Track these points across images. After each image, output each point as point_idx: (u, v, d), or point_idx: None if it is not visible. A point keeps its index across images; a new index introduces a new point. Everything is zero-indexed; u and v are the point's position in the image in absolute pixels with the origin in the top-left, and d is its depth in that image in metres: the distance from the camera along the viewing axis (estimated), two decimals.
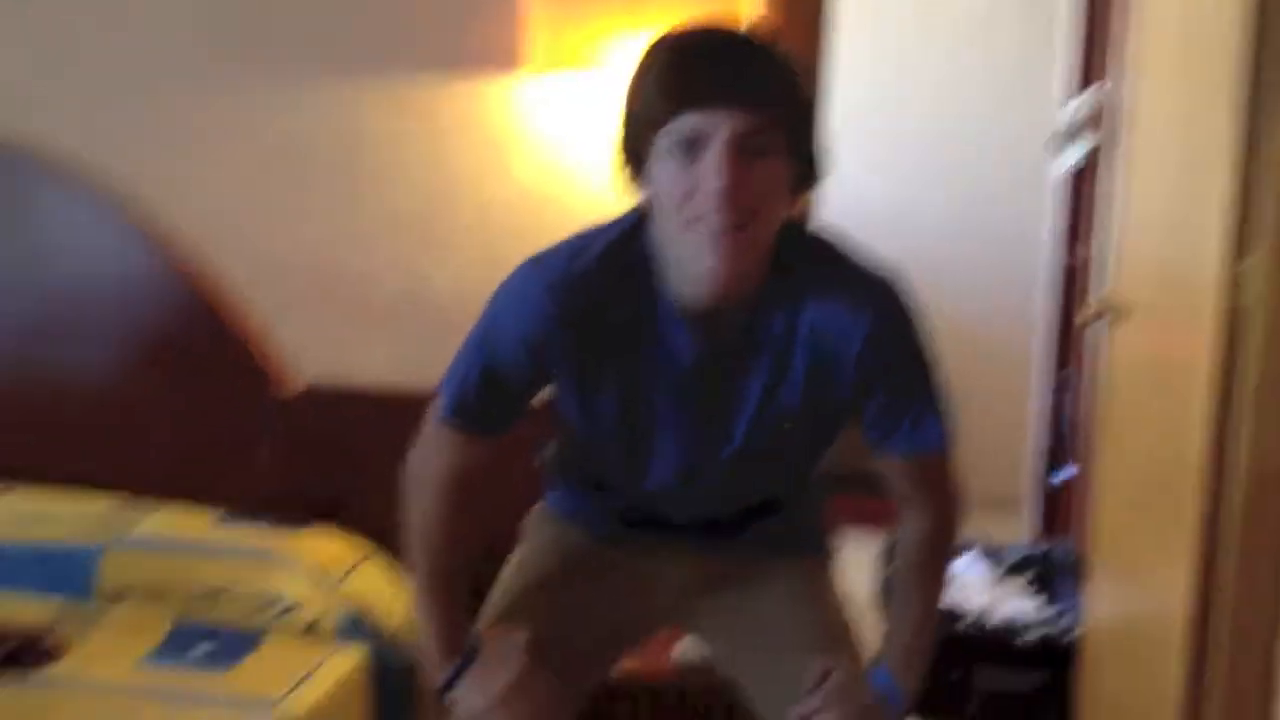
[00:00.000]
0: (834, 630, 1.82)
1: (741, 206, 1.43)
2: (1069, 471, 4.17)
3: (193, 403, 2.76)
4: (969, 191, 5.33)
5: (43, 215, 2.78)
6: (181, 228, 2.76)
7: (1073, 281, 4.17)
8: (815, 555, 1.92)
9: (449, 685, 1.69)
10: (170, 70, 2.76)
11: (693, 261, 1.47)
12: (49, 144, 2.76)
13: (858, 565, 4.36)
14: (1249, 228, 2.26)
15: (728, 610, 1.83)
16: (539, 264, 1.59)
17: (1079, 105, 4.18)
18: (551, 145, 2.70)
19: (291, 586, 2.39)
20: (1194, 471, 2.32)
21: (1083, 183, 4.10)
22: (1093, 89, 4.11)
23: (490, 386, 1.63)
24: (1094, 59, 4.06)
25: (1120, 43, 3.61)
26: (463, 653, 1.69)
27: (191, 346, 2.76)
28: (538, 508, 1.93)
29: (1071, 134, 4.26)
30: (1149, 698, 2.52)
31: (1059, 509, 4.22)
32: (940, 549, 1.80)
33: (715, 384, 1.60)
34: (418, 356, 2.75)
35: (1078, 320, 3.12)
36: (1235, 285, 2.26)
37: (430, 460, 1.71)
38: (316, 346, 2.78)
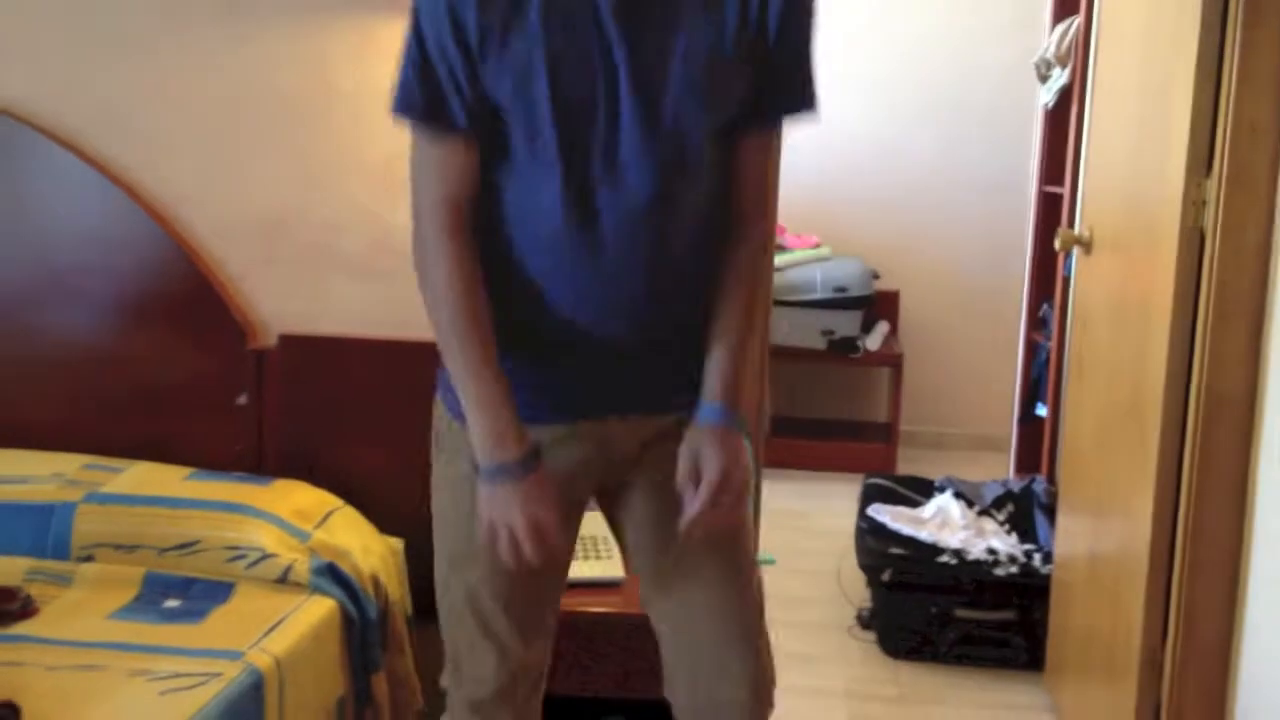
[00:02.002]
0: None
1: None
2: (1043, 409, 4.19)
3: (170, 357, 2.75)
4: (960, 125, 5.31)
5: (21, 172, 2.76)
6: (152, 181, 2.76)
7: (1055, 214, 4.17)
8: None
9: (491, 478, 1.68)
10: (137, 20, 2.74)
11: None
12: (23, 101, 2.74)
13: (839, 510, 4.40)
14: (1208, 153, 2.27)
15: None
16: None
17: (1054, 38, 4.16)
18: None
19: (262, 537, 2.40)
20: (1155, 399, 2.34)
21: (1064, 114, 4.09)
22: (1066, 22, 4.10)
23: (429, 70, 1.62)
24: None
25: None
26: (519, 452, 1.67)
27: (168, 301, 2.75)
28: (438, 418, 1.89)
29: (1048, 67, 4.24)
30: (1115, 628, 2.54)
31: (1036, 447, 4.23)
32: (760, 272, 1.76)
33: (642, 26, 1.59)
34: (387, 304, 2.76)
35: (1056, 248, 3.12)
36: (1193, 208, 2.27)
37: (424, 209, 1.67)
38: (287, 297, 2.78)
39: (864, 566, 3.53)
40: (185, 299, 2.74)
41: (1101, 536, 2.73)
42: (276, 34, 2.73)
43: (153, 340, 2.75)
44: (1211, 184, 2.24)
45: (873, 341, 5.17)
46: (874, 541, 3.47)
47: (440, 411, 1.88)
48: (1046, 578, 3.21)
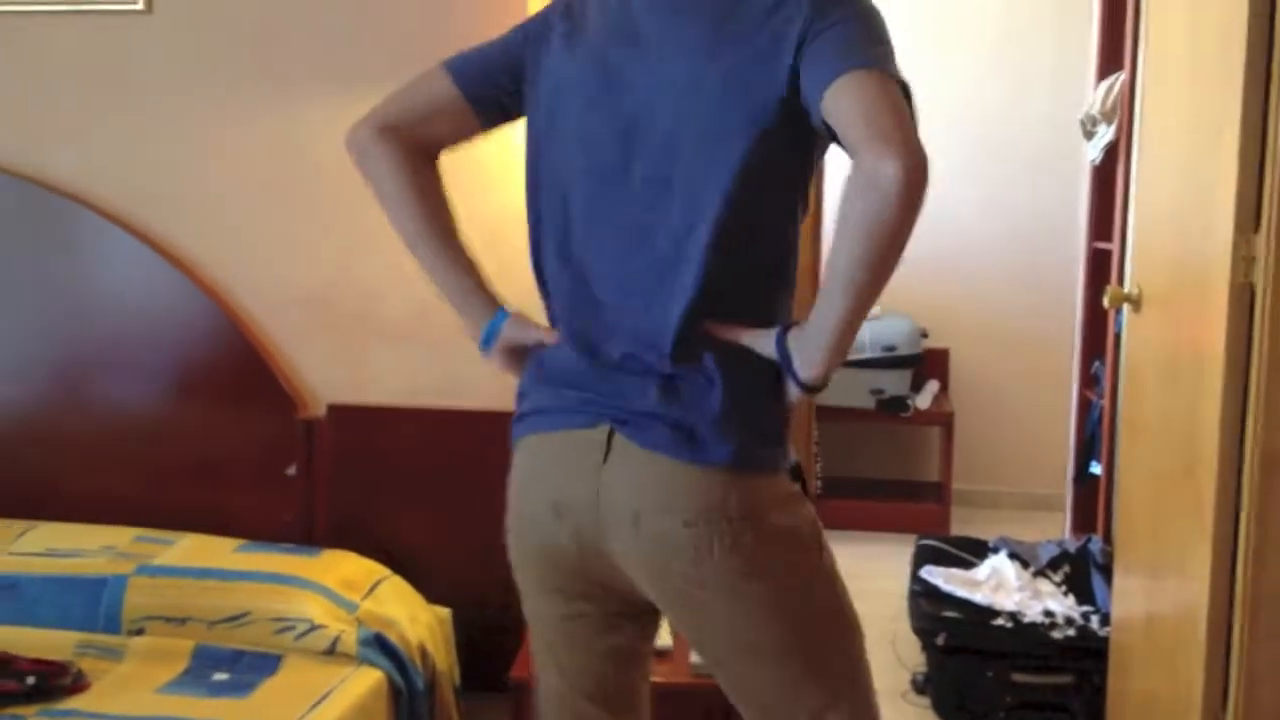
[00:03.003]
0: None
1: None
2: (1097, 467, 4.13)
3: (220, 428, 2.79)
4: (1005, 182, 5.29)
5: (77, 249, 2.82)
6: (200, 256, 2.81)
7: (1105, 270, 4.13)
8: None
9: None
10: (185, 101, 2.80)
11: None
12: (79, 181, 2.81)
13: (891, 572, 4.35)
14: (1255, 208, 2.24)
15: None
16: None
17: (1099, 95, 4.15)
18: None
19: (310, 608, 2.40)
20: (1210, 457, 2.29)
21: (1111, 170, 4.07)
22: (1111, 78, 4.08)
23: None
24: (1119, 46, 4.02)
25: (1135, 31, 3.59)
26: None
27: (217, 373, 2.79)
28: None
29: (1094, 123, 4.23)
30: (1175, 692, 2.48)
31: (1092, 506, 4.17)
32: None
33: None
34: (432, 372, 2.78)
35: (1105, 305, 3.08)
36: (1243, 263, 2.24)
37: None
38: (334, 367, 2.81)
39: (917, 630, 3.47)
40: (234, 370, 2.77)
41: (1158, 598, 2.67)
42: (318, 105, 2.78)
43: (203, 412, 2.79)
44: (1261, 239, 2.21)
45: (923, 400, 5.13)
46: (927, 604, 3.42)
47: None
48: (1104, 640, 3.14)
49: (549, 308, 1.73)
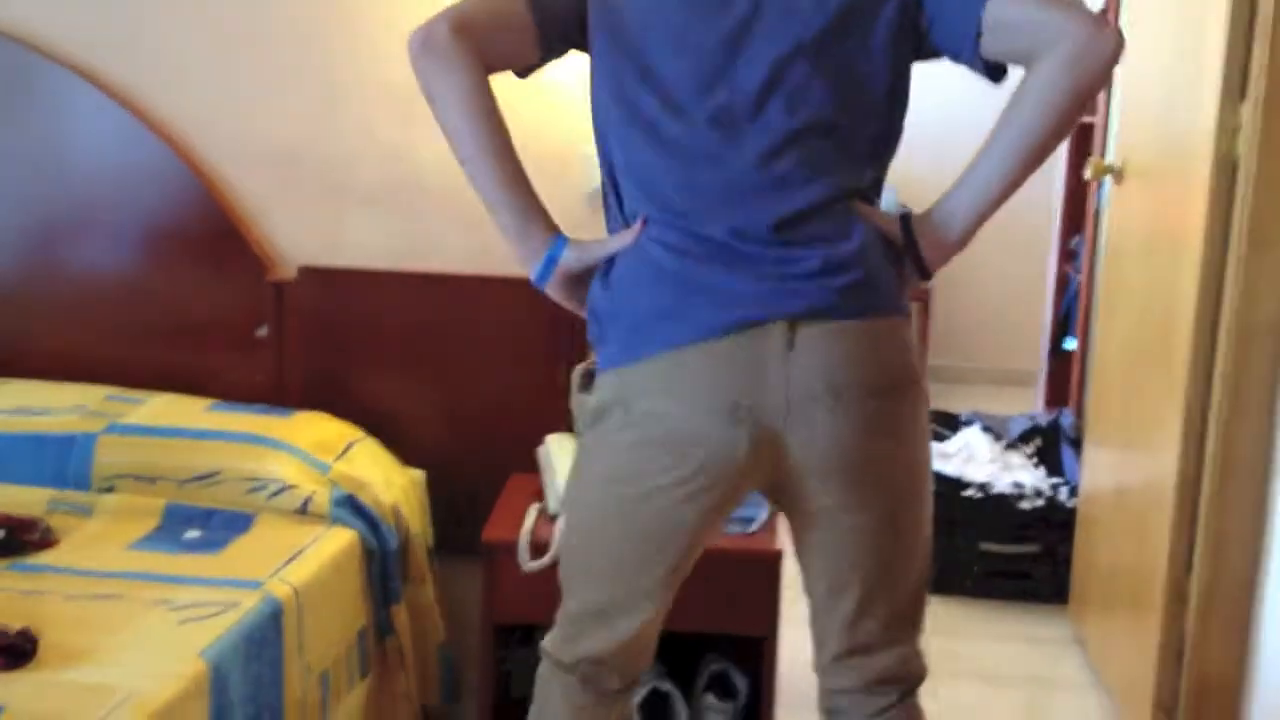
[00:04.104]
0: None
1: None
2: (1073, 342, 4.14)
3: (189, 289, 2.74)
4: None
5: (38, 102, 2.74)
6: (168, 111, 2.73)
7: (1087, 144, 4.09)
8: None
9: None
10: None
11: None
12: (38, 30, 2.72)
13: None
14: (1242, 78, 2.21)
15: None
16: None
17: None
18: None
19: (283, 469, 2.39)
20: (1185, 329, 2.30)
21: None
22: None
23: None
24: None
25: None
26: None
27: (186, 233, 2.73)
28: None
29: None
30: (1141, 561, 2.52)
31: (1066, 381, 4.19)
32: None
33: None
34: (407, 236, 2.74)
35: (1087, 178, 3.06)
36: (1228, 135, 2.21)
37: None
38: (306, 229, 2.76)
39: None
40: (204, 230, 2.72)
41: (1128, 469, 2.70)
42: None
43: (172, 272, 2.74)
44: (1247, 108, 2.18)
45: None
46: None
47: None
48: (1072, 511, 3.18)
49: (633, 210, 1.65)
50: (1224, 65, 2.20)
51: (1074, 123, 1.58)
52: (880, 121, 1.65)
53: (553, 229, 1.69)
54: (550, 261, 1.67)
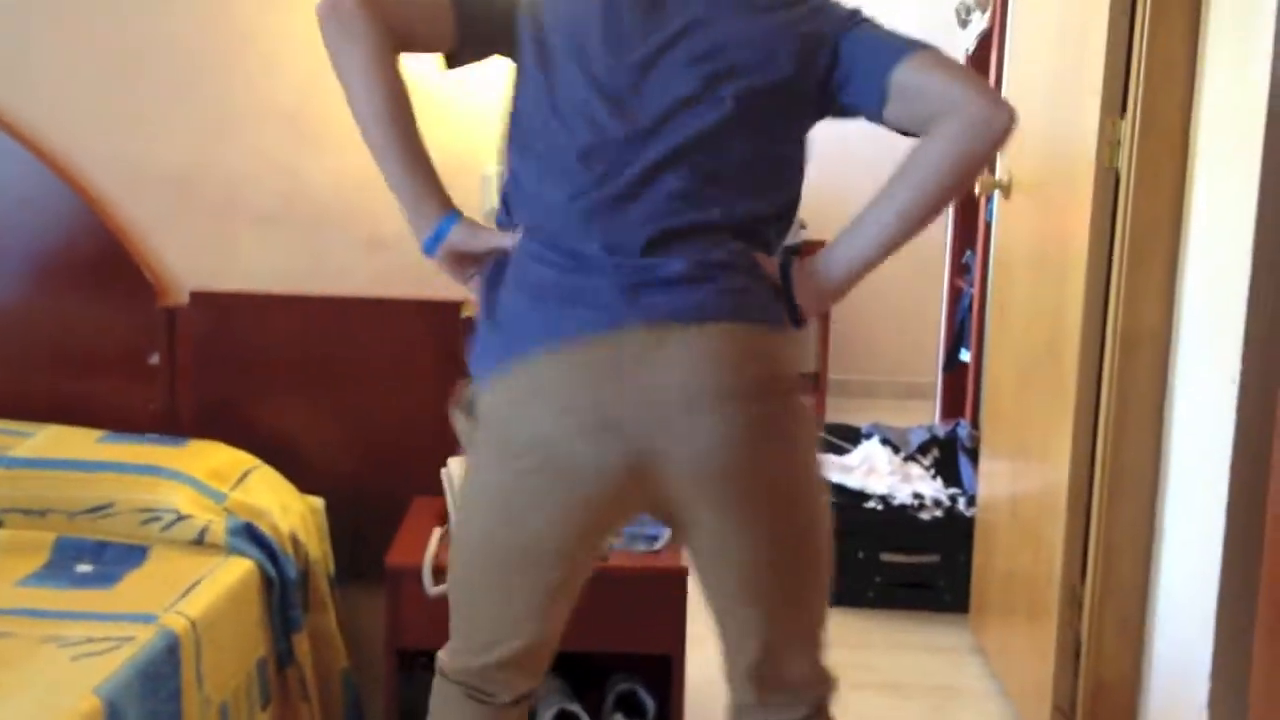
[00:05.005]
0: None
1: None
2: (967, 354, 4.22)
3: (78, 316, 2.68)
4: None
5: None
6: (54, 135, 2.67)
7: None
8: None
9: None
10: None
11: None
12: None
13: None
14: (1122, 94, 2.27)
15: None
16: None
17: None
18: None
19: (177, 499, 2.35)
20: (1073, 339, 2.35)
21: (985, 59, 4.09)
22: None
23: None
24: None
25: None
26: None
27: (74, 259, 2.67)
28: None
29: (968, 11, 4.24)
30: (1037, 568, 2.57)
31: (962, 392, 4.27)
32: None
33: None
34: (300, 257, 2.71)
35: (976, 193, 3.12)
36: (1109, 148, 2.28)
37: None
38: (198, 253, 2.72)
39: None
40: (92, 256, 2.67)
41: (1022, 477, 2.75)
42: None
43: (60, 300, 2.68)
44: (1126, 124, 2.25)
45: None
46: None
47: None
48: (970, 520, 3.24)
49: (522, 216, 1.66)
50: (1104, 81, 2.26)
51: (960, 191, 1.61)
52: (776, 163, 1.66)
53: (447, 204, 1.69)
54: (439, 236, 1.68)
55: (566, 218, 1.59)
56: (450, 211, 1.69)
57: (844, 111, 1.69)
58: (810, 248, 5.31)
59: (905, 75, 1.60)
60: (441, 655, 1.79)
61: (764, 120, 1.62)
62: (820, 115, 1.69)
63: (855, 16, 1.67)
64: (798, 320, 1.67)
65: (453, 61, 1.73)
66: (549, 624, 1.70)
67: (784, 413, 1.58)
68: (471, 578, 1.71)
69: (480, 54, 1.74)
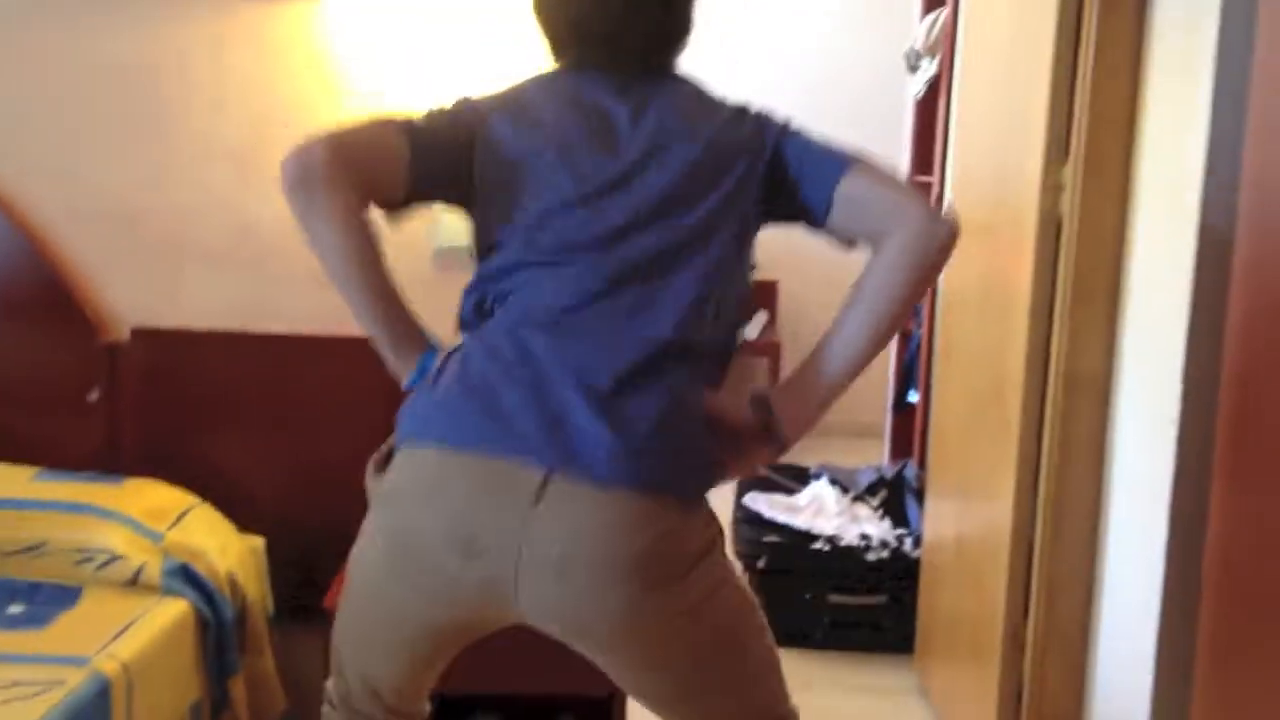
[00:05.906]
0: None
1: None
2: (915, 396, 4.24)
3: (16, 352, 2.64)
4: (831, 116, 5.30)
5: None
6: None
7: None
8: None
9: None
10: None
11: None
12: None
13: (715, 499, 4.40)
14: (1065, 141, 2.30)
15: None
16: None
17: (924, 29, 4.21)
18: (381, 68, 2.62)
19: (112, 539, 2.31)
20: (1016, 381, 2.36)
21: (934, 104, 4.14)
22: (934, 13, 4.14)
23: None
24: None
25: None
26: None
27: (13, 293, 2.64)
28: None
29: (918, 58, 4.29)
30: (980, 608, 2.57)
31: (909, 433, 4.28)
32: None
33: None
34: (244, 296, 2.68)
35: None
36: (1051, 194, 2.30)
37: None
38: (140, 290, 2.69)
39: (740, 555, 3.53)
40: (31, 291, 2.64)
41: (967, 519, 2.76)
42: (130, 19, 2.63)
43: (1, 334, 2.64)
44: (1069, 170, 2.27)
45: (751, 331, 5.19)
46: (749, 530, 3.47)
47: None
48: (916, 561, 3.24)
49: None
50: (1047, 127, 2.29)
51: (917, 299, 1.64)
52: (720, 282, 1.66)
53: (423, 342, 1.67)
54: (421, 372, 1.65)
55: (535, 324, 1.57)
56: (428, 348, 1.67)
57: (788, 217, 1.70)
58: (763, 287, 5.33)
59: (850, 185, 1.63)
60: (328, 685, 1.79)
61: (718, 234, 1.64)
62: (765, 221, 1.71)
63: (789, 126, 1.70)
64: (782, 446, 1.67)
65: (394, 213, 1.67)
66: (423, 676, 1.71)
67: (680, 595, 1.51)
68: (348, 625, 1.69)
69: (422, 199, 1.68)
